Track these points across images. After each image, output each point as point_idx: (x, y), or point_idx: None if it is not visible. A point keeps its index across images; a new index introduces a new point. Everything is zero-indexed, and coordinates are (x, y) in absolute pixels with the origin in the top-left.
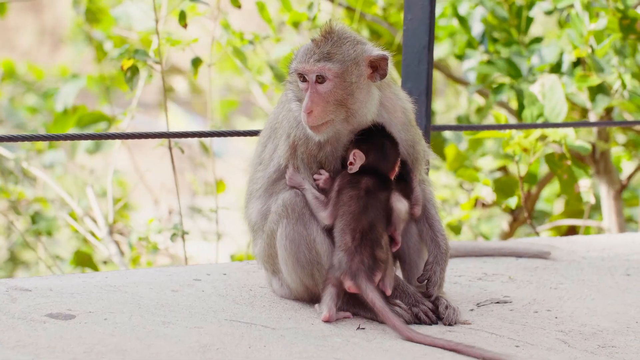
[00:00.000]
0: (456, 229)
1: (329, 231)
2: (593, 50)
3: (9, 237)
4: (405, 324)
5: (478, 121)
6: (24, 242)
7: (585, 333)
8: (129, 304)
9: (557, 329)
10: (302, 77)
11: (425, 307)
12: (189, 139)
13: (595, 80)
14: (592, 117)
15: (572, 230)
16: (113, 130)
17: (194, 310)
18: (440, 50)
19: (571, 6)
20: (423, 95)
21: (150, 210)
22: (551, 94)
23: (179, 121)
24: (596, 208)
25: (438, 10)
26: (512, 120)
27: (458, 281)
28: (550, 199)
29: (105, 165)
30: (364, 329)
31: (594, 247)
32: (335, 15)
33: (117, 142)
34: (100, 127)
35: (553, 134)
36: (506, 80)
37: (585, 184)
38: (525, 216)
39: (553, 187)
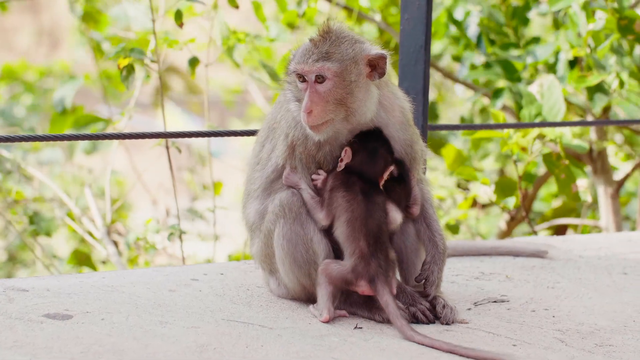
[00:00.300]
0: (454, 229)
1: (326, 231)
2: (592, 50)
3: (6, 237)
4: (412, 329)
5: (483, 122)
6: (21, 242)
7: (583, 332)
8: (126, 304)
9: (554, 327)
10: (301, 78)
11: (422, 306)
12: (187, 139)
13: (592, 80)
14: (590, 117)
15: (564, 229)
16: (110, 130)
17: (191, 310)
18: (437, 47)
19: (567, 7)
20: (420, 94)
21: (148, 210)
22: (549, 94)
23: (176, 121)
24: (594, 207)
25: (434, 15)
26: (512, 120)
27: (455, 280)
28: (548, 199)
29: (103, 165)
30: (361, 328)
31: (591, 246)
32: (333, 15)
33: (115, 142)
34: (96, 128)
35: (550, 132)
36: (504, 83)
37: (582, 184)
38: (522, 215)
39: (551, 186)
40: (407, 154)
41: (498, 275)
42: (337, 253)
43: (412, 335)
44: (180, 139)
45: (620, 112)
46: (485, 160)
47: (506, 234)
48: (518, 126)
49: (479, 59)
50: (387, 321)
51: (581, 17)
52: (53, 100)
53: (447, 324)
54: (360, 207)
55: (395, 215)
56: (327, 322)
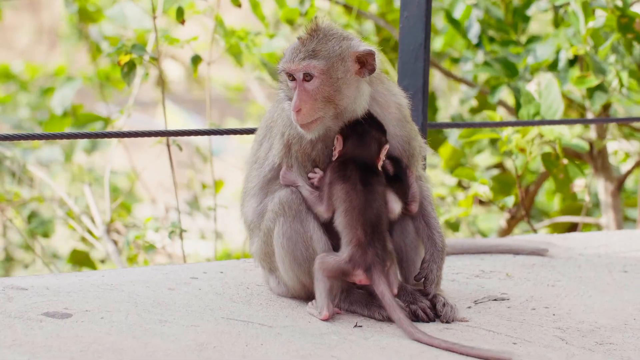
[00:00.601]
0: (454, 227)
1: (326, 228)
2: (591, 49)
3: (6, 236)
4: (410, 322)
5: (472, 120)
6: (21, 240)
7: (583, 330)
8: (125, 302)
9: (554, 326)
10: (291, 76)
11: (423, 304)
12: (187, 137)
13: (592, 80)
14: (589, 114)
15: (569, 228)
16: (110, 128)
17: (190, 309)
18: (437, 44)
19: (568, 4)
20: (420, 92)
21: (148, 209)
22: (547, 93)
23: (176, 119)
24: (595, 205)
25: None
26: (510, 119)
27: (455, 278)
28: (549, 196)
29: (102, 163)
30: (361, 326)
31: (591, 244)
32: (332, 12)
33: (114, 140)
34: (95, 127)
35: (549, 133)
36: (503, 80)
37: (580, 184)
38: (522, 214)
39: (551, 184)
40: (404, 151)
41: (498, 274)
42: (336, 250)
43: (412, 332)
44: (180, 137)
45: (620, 109)
46: (480, 155)
47: (506, 232)
48: (517, 124)
49: (477, 59)
50: (387, 319)
51: (580, 15)
52: (52, 102)
53: (447, 322)
54: (358, 197)
55: (394, 206)
56: (327, 319)
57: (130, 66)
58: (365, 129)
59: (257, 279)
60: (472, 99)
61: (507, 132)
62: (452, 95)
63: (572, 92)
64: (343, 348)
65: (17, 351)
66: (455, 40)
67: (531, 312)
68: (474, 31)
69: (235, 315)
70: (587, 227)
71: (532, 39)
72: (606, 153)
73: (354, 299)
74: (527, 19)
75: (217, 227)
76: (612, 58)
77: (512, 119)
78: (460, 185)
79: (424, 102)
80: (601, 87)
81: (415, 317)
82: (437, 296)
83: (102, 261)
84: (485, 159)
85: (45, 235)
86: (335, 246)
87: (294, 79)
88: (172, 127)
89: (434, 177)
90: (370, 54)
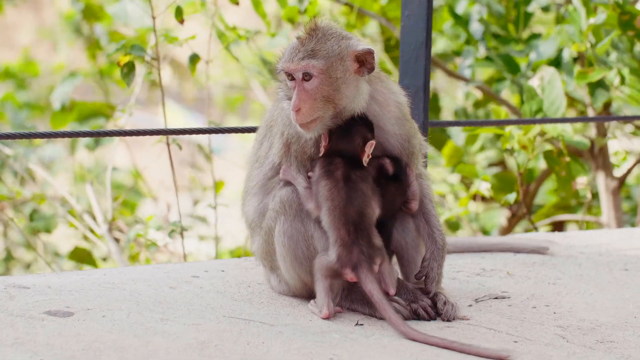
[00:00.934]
0: (455, 225)
1: None
2: (592, 46)
3: (7, 235)
4: (402, 319)
5: (476, 116)
6: (22, 239)
7: (584, 328)
8: (127, 301)
9: (555, 324)
10: (290, 76)
11: (424, 302)
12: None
13: (594, 76)
14: (591, 112)
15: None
16: (111, 127)
17: (192, 307)
18: (440, 45)
19: (569, 1)
20: (421, 91)
21: (150, 207)
22: (550, 88)
23: (177, 118)
24: (594, 204)
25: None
26: (513, 117)
27: (456, 277)
28: (552, 194)
29: (104, 161)
30: (362, 325)
31: (592, 242)
32: (333, 11)
33: (116, 139)
34: (98, 124)
35: (551, 130)
36: (505, 75)
37: (582, 181)
38: (524, 212)
39: (552, 182)
40: (404, 149)
41: (499, 272)
42: None
43: (405, 331)
44: (181, 136)
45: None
46: (482, 153)
47: (507, 230)
48: (519, 122)
49: (479, 54)
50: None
51: (582, 12)
52: (52, 97)
53: (448, 320)
54: (340, 195)
55: (373, 208)
56: (327, 318)
57: (130, 67)
58: (349, 123)
59: (258, 278)
60: (475, 89)
61: (509, 129)
62: (456, 90)
63: (574, 91)
64: (344, 346)
65: (19, 350)
66: (458, 31)
67: (532, 310)
68: (476, 26)
69: (236, 313)
70: (589, 225)
71: (534, 37)
72: (607, 151)
73: (355, 298)
74: (528, 16)
75: (218, 226)
76: (614, 56)
77: (514, 117)
78: (462, 182)
79: (425, 101)
80: (603, 85)
81: (416, 316)
82: (438, 294)
83: (104, 259)
84: (486, 155)
85: (48, 230)
86: None
87: (293, 79)
88: (172, 126)
89: (436, 174)
90: (369, 53)
